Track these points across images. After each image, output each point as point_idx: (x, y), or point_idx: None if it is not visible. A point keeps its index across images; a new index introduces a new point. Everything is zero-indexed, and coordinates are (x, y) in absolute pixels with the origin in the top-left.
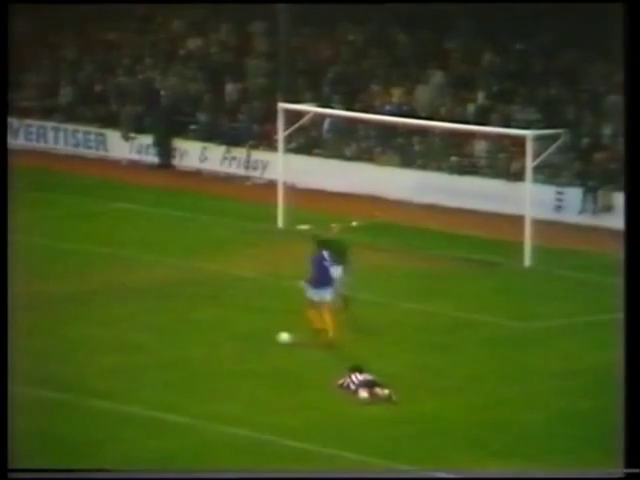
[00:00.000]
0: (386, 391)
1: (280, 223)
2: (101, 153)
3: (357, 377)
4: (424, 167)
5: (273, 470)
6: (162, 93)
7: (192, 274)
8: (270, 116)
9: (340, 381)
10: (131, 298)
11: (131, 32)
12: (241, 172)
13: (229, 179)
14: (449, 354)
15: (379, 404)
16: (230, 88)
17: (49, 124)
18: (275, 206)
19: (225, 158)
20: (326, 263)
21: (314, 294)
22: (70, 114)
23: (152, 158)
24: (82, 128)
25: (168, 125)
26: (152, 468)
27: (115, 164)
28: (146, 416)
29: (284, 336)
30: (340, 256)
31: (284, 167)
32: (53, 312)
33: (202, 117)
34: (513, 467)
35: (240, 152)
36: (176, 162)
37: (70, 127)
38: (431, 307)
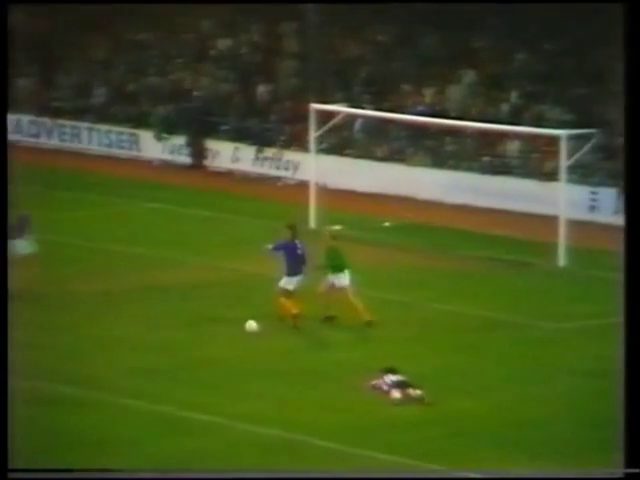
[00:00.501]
0: (418, 392)
1: (312, 223)
2: (134, 153)
3: (390, 378)
4: (456, 167)
5: (295, 470)
6: (194, 93)
7: (223, 274)
8: (301, 116)
9: (373, 382)
10: (162, 298)
11: (163, 32)
12: (272, 172)
13: (260, 179)
14: (481, 355)
15: (411, 405)
16: (261, 88)
17: (83, 124)
18: (306, 206)
19: (257, 158)
20: (299, 251)
21: (288, 282)
22: (103, 114)
23: (184, 158)
24: (115, 128)
25: (200, 125)
26: (181, 468)
27: (147, 164)
28: (176, 415)
29: (252, 324)
30: (340, 261)
31: (315, 167)
32: (86, 311)
33: (234, 118)
34: (544, 467)
35: (272, 152)
36: (208, 162)
37: (103, 127)
38: (463, 308)
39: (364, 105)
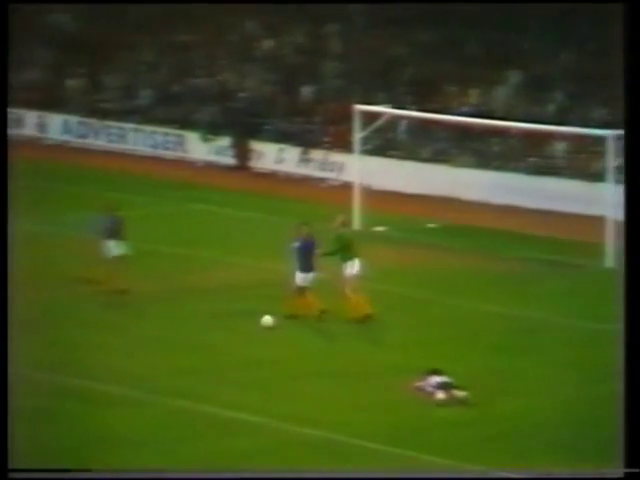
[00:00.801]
0: (463, 393)
1: (355, 225)
2: (179, 154)
3: (434, 379)
4: (501, 168)
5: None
6: (239, 94)
7: (267, 275)
8: (345, 118)
9: (417, 383)
10: (208, 298)
11: (208, 34)
12: (317, 174)
13: (305, 181)
14: (528, 356)
15: (456, 406)
16: (306, 90)
17: (129, 125)
18: (350, 208)
19: (301, 160)
20: (314, 248)
21: (303, 279)
22: (149, 115)
23: (229, 159)
24: (161, 129)
25: (245, 127)
26: (226, 468)
27: (192, 165)
28: (221, 416)
29: (267, 319)
30: (348, 250)
31: (360, 169)
32: (133, 311)
33: (278, 119)
34: (591, 468)
35: (316, 154)
36: (252, 164)
37: (149, 128)
38: (509, 309)
39: (408, 106)
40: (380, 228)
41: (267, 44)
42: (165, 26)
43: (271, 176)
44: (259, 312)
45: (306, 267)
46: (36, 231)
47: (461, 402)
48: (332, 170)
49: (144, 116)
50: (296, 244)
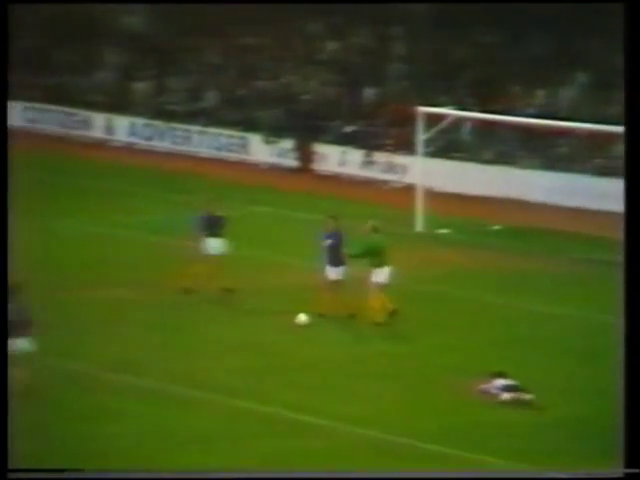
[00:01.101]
0: (528, 396)
1: (418, 227)
2: (242, 157)
3: (499, 382)
4: (567, 169)
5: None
6: (302, 97)
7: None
8: (409, 120)
9: (482, 386)
10: (269, 300)
11: (273, 36)
12: (379, 176)
13: (367, 183)
14: (593, 359)
15: (522, 409)
16: (369, 92)
17: (193, 127)
18: (413, 210)
19: (364, 162)
20: (339, 242)
21: (333, 272)
22: (214, 118)
23: (292, 162)
24: (225, 132)
25: (308, 129)
26: (285, 468)
27: (255, 168)
28: (282, 416)
29: (302, 317)
30: (380, 256)
31: (423, 171)
32: (195, 311)
33: (341, 121)
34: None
35: (379, 156)
36: (315, 166)
37: (213, 131)
38: (574, 311)
39: (472, 107)
40: (443, 230)
41: (331, 46)
42: (231, 29)
43: (334, 178)
44: (316, 313)
45: (336, 261)
46: (104, 232)
47: (527, 405)
48: (395, 172)
49: (209, 118)
50: (325, 238)
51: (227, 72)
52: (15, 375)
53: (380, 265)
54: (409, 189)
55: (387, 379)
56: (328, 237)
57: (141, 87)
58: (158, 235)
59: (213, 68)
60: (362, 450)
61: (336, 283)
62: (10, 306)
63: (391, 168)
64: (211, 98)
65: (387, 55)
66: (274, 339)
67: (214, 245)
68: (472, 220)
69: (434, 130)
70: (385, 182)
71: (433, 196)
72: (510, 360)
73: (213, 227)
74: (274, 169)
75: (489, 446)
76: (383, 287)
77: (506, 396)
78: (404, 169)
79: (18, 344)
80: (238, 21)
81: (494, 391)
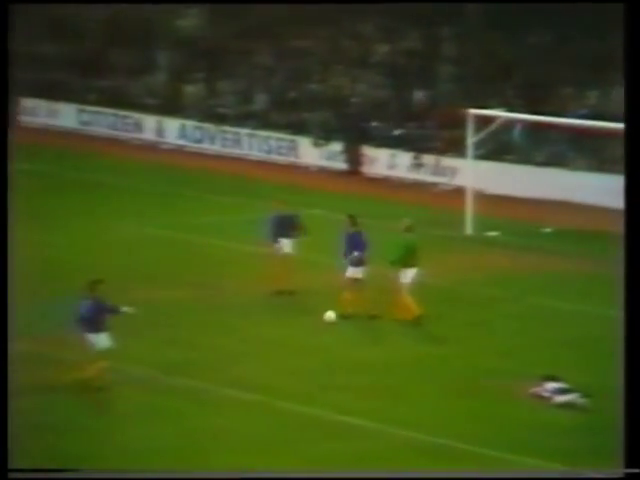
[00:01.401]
0: (581, 400)
1: (468, 229)
2: (291, 159)
3: (551, 385)
4: (618, 171)
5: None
6: (352, 99)
7: (378, 280)
8: (459, 122)
9: (533, 389)
10: (317, 301)
11: (323, 39)
12: (429, 179)
13: (416, 186)
14: None
15: (575, 412)
16: (418, 94)
17: (243, 130)
18: (463, 212)
19: (413, 165)
20: (363, 241)
21: (355, 272)
22: (264, 121)
23: (341, 164)
24: (275, 135)
25: (357, 132)
26: (335, 470)
27: (305, 170)
28: (327, 418)
29: (331, 315)
30: (411, 256)
31: (473, 173)
32: (243, 312)
33: (391, 124)
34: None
35: (428, 159)
36: (364, 169)
37: (263, 134)
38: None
39: (522, 109)
40: (493, 233)
41: (381, 48)
42: (282, 31)
43: (383, 181)
44: (365, 316)
45: (356, 261)
46: (156, 234)
47: (579, 408)
48: (444, 175)
49: (259, 121)
50: (345, 239)
51: (277, 75)
52: (88, 370)
53: (409, 265)
54: (458, 192)
55: (437, 382)
56: (349, 238)
57: (192, 90)
58: (208, 237)
59: (263, 71)
60: (410, 453)
61: (357, 283)
62: (87, 302)
63: (440, 171)
64: (261, 101)
65: (437, 57)
66: (322, 341)
67: (285, 244)
68: (522, 223)
69: (484, 132)
70: (434, 185)
71: (483, 198)
72: (561, 363)
73: (285, 227)
74: (323, 172)
75: (541, 449)
76: (409, 288)
77: (560, 399)
78: (453, 171)
79: (95, 339)
80: (289, 24)
81: (546, 394)
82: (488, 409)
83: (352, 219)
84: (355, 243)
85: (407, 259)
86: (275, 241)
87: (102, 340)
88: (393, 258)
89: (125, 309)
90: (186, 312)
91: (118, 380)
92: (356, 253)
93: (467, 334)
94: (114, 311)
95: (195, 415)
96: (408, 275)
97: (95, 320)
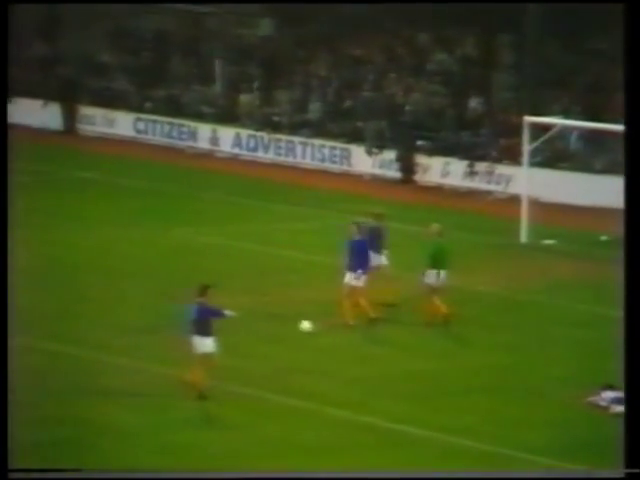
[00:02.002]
0: None
1: (523, 237)
2: (345, 168)
3: (608, 394)
4: None
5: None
6: (406, 108)
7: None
8: (514, 130)
9: (589, 398)
10: (373, 310)
11: (378, 47)
12: (483, 187)
13: (470, 194)
14: None
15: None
16: (473, 102)
17: (297, 139)
18: (517, 221)
19: (467, 173)
20: (366, 249)
21: (353, 279)
22: (317, 129)
23: (394, 173)
24: (328, 143)
25: (411, 140)
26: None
27: (358, 179)
28: (382, 426)
29: (305, 324)
30: (440, 260)
31: (528, 181)
32: (295, 321)
33: (445, 132)
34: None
35: (482, 167)
36: (418, 177)
37: (317, 142)
38: None
39: (580, 116)
40: (549, 241)
41: (437, 57)
42: (337, 41)
43: (437, 189)
44: (420, 324)
45: (357, 267)
46: (210, 242)
47: None
48: (499, 183)
49: (313, 130)
50: (350, 244)
51: (332, 83)
52: (194, 373)
53: (437, 267)
54: (513, 200)
55: (492, 390)
56: (354, 243)
57: (247, 99)
58: (262, 245)
59: (318, 80)
60: (465, 460)
61: (356, 290)
62: (196, 306)
63: (495, 179)
64: (316, 109)
65: (493, 64)
66: (374, 350)
67: (374, 257)
68: (578, 230)
69: (541, 140)
70: (489, 193)
71: (539, 206)
72: (619, 372)
73: (373, 239)
74: (376, 180)
75: (598, 457)
76: (437, 290)
77: (617, 409)
78: (508, 179)
79: (202, 343)
80: (344, 33)
81: (603, 403)
82: (545, 417)
83: (358, 226)
84: (359, 251)
85: (435, 262)
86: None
87: (208, 344)
88: (427, 264)
89: (229, 313)
90: (241, 320)
91: (173, 387)
92: (360, 271)
93: (522, 342)
94: (219, 315)
95: (249, 423)
96: (434, 277)
97: (203, 323)
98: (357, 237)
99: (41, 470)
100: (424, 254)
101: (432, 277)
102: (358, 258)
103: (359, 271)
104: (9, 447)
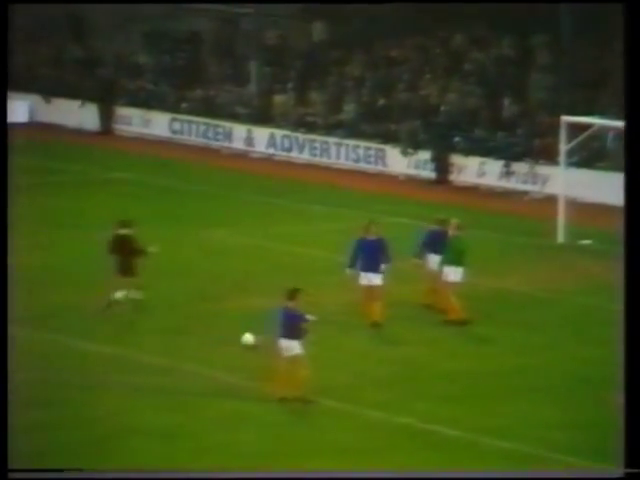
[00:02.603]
0: None
1: (560, 238)
2: (380, 168)
3: None
4: None
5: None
6: (441, 108)
7: (467, 289)
8: (550, 130)
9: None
10: (404, 311)
11: (413, 48)
12: (519, 187)
13: (506, 194)
14: None
15: None
16: (509, 102)
17: (332, 139)
18: (554, 221)
19: (503, 173)
20: (378, 248)
21: (367, 279)
22: (352, 130)
23: (429, 173)
24: (363, 144)
25: (446, 140)
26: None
27: (393, 179)
28: (417, 427)
29: (248, 337)
30: (458, 256)
31: (565, 181)
32: (330, 322)
33: (480, 132)
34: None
35: (518, 167)
36: (453, 177)
37: (352, 142)
38: None
39: (617, 116)
40: (586, 241)
41: (471, 57)
42: (372, 41)
43: (472, 190)
44: (458, 325)
45: (372, 267)
46: (249, 243)
47: None
48: (535, 183)
49: (347, 130)
50: (363, 244)
51: (367, 84)
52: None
53: (456, 264)
54: (550, 200)
55: (526, 391)
56: (366, 242)
57: (282, 99)
58: (296, 245)
59: (353, 80)
60: (501, 461)
61: (372, 291)
62: (284, 309)
63: (531, 179)
64: (350, 110)
65: (529, 64)
66: (410, 350)
67: (434, 261)
68: (616, 231)
69: (578, 140)
70: (525, 193)
71: (575, 206)
72: None
73: (436, 244)
74: (411, 180)
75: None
76: (456, 287)
77: None
78: (545, 179)
79: (289, 346)
80: (379, 33)
81: None
82: (580, 418)
83: (374, 225)
84: (374, 251)
85: (454, 257)
86: (422, 256)
87: (295, 347)
88: (446, 259)
89: (310, 317)
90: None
91: (208, 387)
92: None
93: (558, 342)
94: (304, 319)
95: (283, 423)
96: (454, 274)
97: (291, 327)
98: (373, 236)
99: (41, 470)
100: (444, 251)
101: (451, 274)
102: (374, 259)
103: (381, 269)
104: (39, 447)
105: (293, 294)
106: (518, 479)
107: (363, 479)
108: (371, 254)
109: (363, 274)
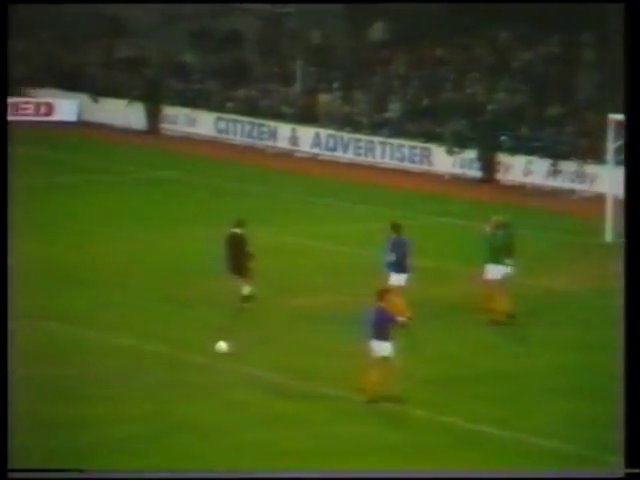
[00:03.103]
0: None
1: (607, 237)
2: (425, 167)
3: None
4: None
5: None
6: (488, 107)
7: (513, 288)
8: (599, 128)
9: None
10: (450, 310)
11: (458, 47)
12: (567, 185)
13: (553, 193)
14: None
15: None
16: (556, 100)
17: (377, 139)
18: (602, 220)
19: (550, 172)
20: (407, 249)
21: (395, 280)
22: (397, 129)
23: (475, 172)
24: (408, 143)
25: (492, 139)
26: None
27: (438, 178)
28: (460, 427)
29: (222, 345)
30: (505, 252)
31: (614, 180)
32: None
33: (526, 131)
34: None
35: (566, 165)
36: (499, 176)
37: (396, 142)
38: None
39: None
40: None
41: (518, 55)
42: (417, 40)
43: (518, 189)
44: (497, 324)
45: (399, 268)
46: (294, 242)
47: None
48: (583, 182)
49: (393, 129)
50: (389, 246)
51: (412, 83)
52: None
53: (498, 262)
54: (598, 198)
55: (571, 391)
56: (393, 245)
57: (327, 98)
58: (342, 245)
59: (398, 79)
60: (541, 460)
61: (398, 290)
62: (375, 310)
63: (579, 177)
64: (396, 109)
65: (577, 62)
66: (452, 349)
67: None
68: None
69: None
70: (573, 192)
71: (623, 205)
72: None
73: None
74: (457, 179)
75: None
76: (501, 285)
77: None
78: (593, 178)
79: (380, 347)
80: (424, 32)
81: None
82: (621, 418)
83: (397, 228)
84: (399, 252)
85: (495, 255)
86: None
87: (386, 348)
88: (485, 258)
89: (400, 318)
90: (321, 320)
91: (253, 385)
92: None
93: (606, 344)
94: (394, 320)
95: (329, 422)
96: (496, 272)
97: (382, 327)
98: (398, 238)
99: (41, 470)
100: (484, 248)
101: (492, 272)
102: (400, 259)
103: (403, 272)
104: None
105: (382, 294)
106: (518, 479)
107: (363, 479)
108: (396, 255)
109: (393, 275)
